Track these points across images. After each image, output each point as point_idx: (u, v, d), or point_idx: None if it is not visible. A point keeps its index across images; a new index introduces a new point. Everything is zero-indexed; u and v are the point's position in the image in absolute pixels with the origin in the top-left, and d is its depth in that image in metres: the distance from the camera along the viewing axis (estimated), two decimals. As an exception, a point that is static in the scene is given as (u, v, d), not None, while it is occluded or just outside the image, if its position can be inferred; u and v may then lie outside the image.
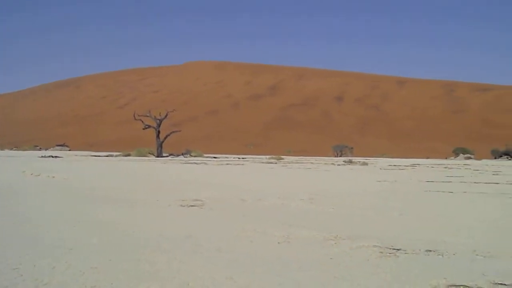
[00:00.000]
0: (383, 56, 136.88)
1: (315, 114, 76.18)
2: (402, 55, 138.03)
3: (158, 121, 32.19)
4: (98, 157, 27.38)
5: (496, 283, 2.95)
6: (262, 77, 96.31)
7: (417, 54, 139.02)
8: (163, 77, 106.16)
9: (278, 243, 4.16)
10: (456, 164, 22.95)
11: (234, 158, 31.16)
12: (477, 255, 3.71)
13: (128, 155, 31.97)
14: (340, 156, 39.41)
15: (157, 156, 30.53)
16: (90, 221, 5.12)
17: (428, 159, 31.69)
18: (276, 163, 23.16)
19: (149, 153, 32.12)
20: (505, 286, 2.90)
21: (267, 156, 32.62)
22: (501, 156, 32.94)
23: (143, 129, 32.97)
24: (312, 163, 23.11)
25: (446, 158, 34.26)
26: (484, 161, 29.37)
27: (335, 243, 4.14)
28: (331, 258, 3.59)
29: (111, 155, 31.77)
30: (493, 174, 14.23)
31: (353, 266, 3.37)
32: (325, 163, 22.83)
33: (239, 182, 10.77)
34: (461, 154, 35.57)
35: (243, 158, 30.09)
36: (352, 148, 43.15)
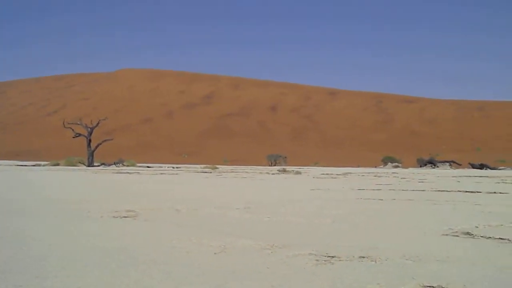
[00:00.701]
0: (316, 67, 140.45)
1: (251, 124, 76.77)
2: (334, 67, 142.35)
3: (89, 129, 31.20)
4: (24, 167, 26.06)
5: (425, 286, 3.08)
6: (197, 85, 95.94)
7: (347, 67, 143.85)
8: (93, 84, 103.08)
9: (215, 253, 4.12)
10: (385, 172, 23.86)
11: (168, 167, 30.71)
12: (407, 259, 3.85)
13: (57, 164, 30.70)
14: (275, 165, 39.87)
15: (88, 166, 29.55)
16: (8, 236, 4.85)
17: (359, 168, 32.75)
18: (211, 172, 23.07)
19: (80, 162, 31.02)
20: (434, 290, 3.03)
21: (202, 166, 32.42)
22: (425, 165, 34.57)
23: (74, 137, 31.84)
24: (247, 172, 23.22)
25: (375, 167, 35.52)
26: (411, 169, 30.76)
27: (272, 252, 4.16)
28: (268, 267, 3.60)
29: (39, 165, 30.36)
30: (419, 182, 14.90)
31: (290, 274, 3.39)
32: (260, 172, 23.02)
33: (173, 192, 10.62)
34: (389, 163, 37.02)
35: (177, 168, 29.72)
36: (286, 157, 43.80)
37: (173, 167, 30.44)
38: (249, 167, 33.29)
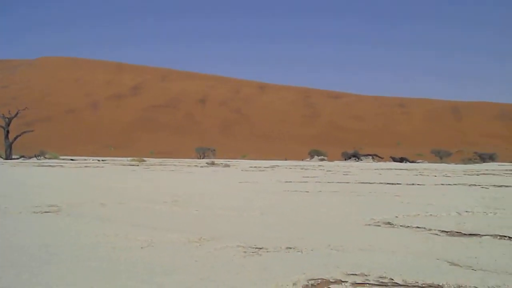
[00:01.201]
0: (245, 61, 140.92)
1: (179, 116, 75.89)
2: (264, 61, 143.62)
3: (7, 120, 29.46)
4: None
5: (348, 274, 3.20)
6: (124, 76, 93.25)
7: (277, 61, 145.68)
8: (11, 71, 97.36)
9: (142, 247, 4.04)
10: (311, 165, 24.46)
11: (93, 160, 29.72)
12: (331, 249, 3.97)
13: (-30, 157, 28.78)
14: (203, 158, 39.70)
15: (6, 159, 27.94)
16: None
17: (287, 161, 33.36)
18: (138, 165, 22.59)
19: (-4, 155, 29.26)
20: (356, 276, 3.15)
21: (129, 158, 31.66)
22: (350, 158, 35.75)
23: (-11, 128, 29.93)
24: (175, 165, 22.96)
25: (302, 160, 36.31)
26: (336, 162, 31.74)
27: (200, 245, 4.15)
28: (196, 260, 3.58)
29: (-51, 158, 28.33)
30: (344, 174, 15.41)
31: (218, 267, 3.40)
32: (189, 165, 22.84)
33: (98, 185, 10.30)
34: (315, 156, 37.95)
35: (103, 160, 28.83)
36: (214, 150, 43.72)
37: (99, 160, 29.49)
38: (178, 160, 32.92)
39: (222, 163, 24.40)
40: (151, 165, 22.89)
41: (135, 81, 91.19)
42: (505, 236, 4.51)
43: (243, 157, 41.08)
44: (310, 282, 3.06)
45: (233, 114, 79.07)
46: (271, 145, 60.49)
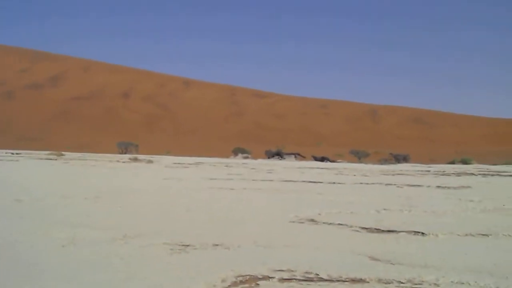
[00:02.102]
0: (170, 55, 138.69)
1: (101, 110, 73.34)
2: (189, 57, 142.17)
3: None
4: None
5: (275, 270, 3.26)
6: (42, 65, 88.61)
7: (202, 58, 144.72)
8: None
9: (63, 246, 3.89)
10: (235, 163, 24.58)
11: (6, 153, 27.99)
12: (258, 246, 4.04)
13: None
14: (126, 153, 38.64)
15: None
16: None
17: (211, 158, 33.26)
18: (56, 159, 21.61)
19: None
20: (283, 272, 3.22)
21: (47, 152, 30.15)
22: (273, 156, 36.26)
23: None
24: (96, 160, 22.18)
25: (226, 157, 36.38)
26: (260, 160, 32.09)
27: (125, 243, 4.06)
28: (121, 258, 3.51)
29: None
30: (268, 172, 15.64)
31: (145, 264, 3.35)
32: (110, 160, 22.14)
33: (14, 181, 9.74)
34: (239, 154, 38.15)
35: (18, 154, 27.25)
36: (137, 145, 42.68)
37: (13, 153, 27.83)
38: (99, 154, 31.80)
39: (145, 159, 23.87)
40: (71, 159, 21.95)
41: (54, 71, 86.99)
42: (419, 232, 4.80)
43: (167, 153, 40.46)
44: (238, 278, 3.09)
45: (157, 110, 77.65)
46: (195, 141, 60.06)
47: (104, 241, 4.08)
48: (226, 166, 19.27)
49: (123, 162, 21.28)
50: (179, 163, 21.15)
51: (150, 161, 22.34)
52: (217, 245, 4.03)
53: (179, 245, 4.00)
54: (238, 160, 31.53)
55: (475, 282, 3.10)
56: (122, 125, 66.96)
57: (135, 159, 23.31)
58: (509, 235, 4.72)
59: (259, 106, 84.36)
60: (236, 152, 40.03)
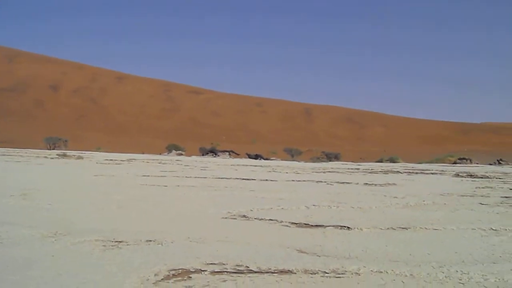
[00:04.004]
0: (102, 48, 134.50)
1: (26, 102, 70.07)
2: (122, 51, 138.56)
3: None
4: None
5: (207, 264, 3.37)
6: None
7: (136, 52, 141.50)
8: None
9: (-11, 243, 3.79)
10: (169, 160, 24.37)
11: None
12: (191, 241, 4.12)
13: None
14: (54, 149, 37.22)
15: None
16: None
17: (144, 154, 32.73)
18: (-23, 155, 20.48)
19: None
20: (215, 265, 3.34)
21: (-35, 147, 28.49)
22: (207, 153, 36.22)
23: None
24: (22, 156, 21.24)
25: (160, 154, 35.95)
26: (194, 157, 31.97)
27: (56, 240, 4.01)
28: (53, 256, 3.48)
29: None
30: (201, 169, 15.67)
31: (77, 261, 3.35)
32: (37, 156, 21.28)
33: None
34: (173, 150, 37.80)
35: None
36: (67, 140, 41.22)
37: None
38: (24, 150, 30.45)
39: (75, 155, 23.14)
40: (-7, 155, 20.88)
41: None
42: (345, 227, 5.07)
43: (98, 149, 39.36)
44: (171, 272, 3.17)
45: (88, 104, 75.25)
46: (128, 138, 58.80)
47: (34, 239, 4.02)
48: (160, 163, 19.10)
49: (51, 158, 20.53)
50: (111, 160, 20.70)
51: (80, 157, 21.69)
52: (150, 241, 4.08)
53: (112, 241, 4.00)
54: (172, 157, 31.26)
55: (392, 270, 3.36)
56: (50, 119, 64.33)
57: (64, 155, 22.54)
58: (426, 228, 5.09)
59: (195, 103, 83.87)
60: (170, 149, 39.61)
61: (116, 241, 4.00)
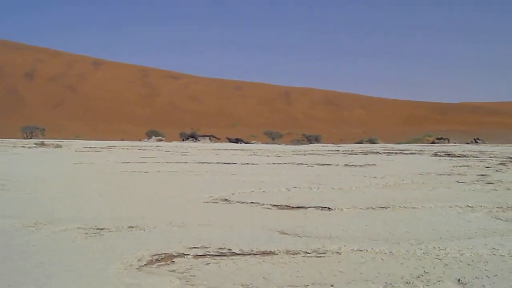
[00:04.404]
0: (78, 34, 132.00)
1: (1, 91, 68.67)
2: (98, 36, 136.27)
3: None
4: None
5: (190, 248, 3.40)
6: None
7: (112, 37, 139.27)
8: None
9: (-32, 234, 3.76)
10: (149, 146, 24.24)
11: None
12: (173, 226, 4.14)
13: None
14: (31, 138, 36.65)
15: None
16: None
17: (123, 141, 32.48)
18: (-48, 145, 20.07)
19: None
20: (198, 249, 3.36)
21: None
22: (188, 139, 36.09)
23: None
24: (-2, 145, 20.90)
25: (140, 140, 35.71)
26: (174, 142, 31.84)
27: (36, 229, 3.99)
28: (34, 245, 3.47)
29: None
30: (182, 155, 15.65)
31: (59, 249, 3.35)
32: (14, 146, 20.97)
33: None
34: (153, 136, 37.56)
35: None
36: (44, 129, 40.62)
37: None
38: (0, 140, 29.96)
39: (53, 144, 22.85)
40: (-31, 145, 20.51)
41: None
42: (326, 207, 5.14)
43: (77, 137, 38.90)
44: (154, 257, 3.20)
45: (65, 92, 74.07)
46: (106, 125, 58.18)
47: (14, 229, 3.99)
48: (140, 149, 19.02)
49: (29, 147, 20.26)
50: (90, 147, 20.52)
51: (58, 146, 21.44)
52: (132, 227, 4.08)
53: (94, 229, 4.00)
54: (152, 143, 31.10)
55: (372, 248, 3.43)
56: (26, 108, 63.21)
57: (42, 144, 22.25)
58: (404, 207, 5.20)
59: (173, 88, 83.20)
60: (149, 135, 39.37)
61: (98, 229, 4.00)
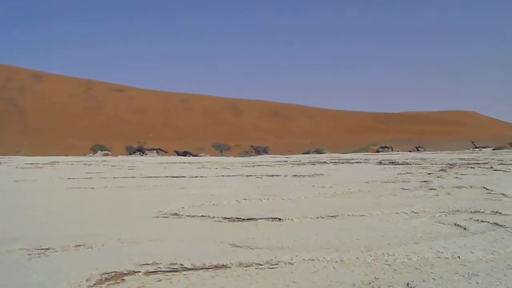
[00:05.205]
0: (17, 46, 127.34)
1: None
2: (39, 48, 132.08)
3: None
4: None
5: (141, 264, 3.32)
6: None
7: (54, 49, 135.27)
8: None
9: None
10: (95, 161, 23.60)
11: None
12: (122, 243, 4.04)
13: None
14: (-33, 155, 34.87)
15: None
16: None
17: (68, 156, 31.46)
18: None
19: None
20: (149, 265, 3.29)
21: None
22: (134, 152, 35.47)
23: None
24: None
25: (85, 155, 34.75)
26: (120, 157, 31.16)
27: (-25, 251, 3.78)
28: (-28, 268, 3.28)
29: None
30: (129, 169, 15.33)
31: (1, 272, 3.18)
32: (-51, 164, 19.86)
33: None
34: (99, 151, 36.67)
35: None
36: (-19, 146, 38.79)
37: None
38: None
39: (-9, 161, 21.82)
40: None
41: None
42: (276, 218, 5.17)
43: (18, 153, 37.37)
44: (103, 276, 3.10)
45: (4, 105, 71.14)
46: (49, 140, 56.27)
47: (-51, 252, 3.76)
48: (85, 164, 18.47)
49: (-35, 164, 19.25)
50: (32, 163, 19.74)
51: (-3, 163, 20.49)
52: (79, 245, 3.95)
53: (38, 249, 3.84)
54: (98, 157, 30.32)
55: (323, 257, 3.48)
56: (-39, 123, 60.18)
57: (-20, 161, 21.19)
58: (353, 215, 5.31)
59: (118, 101, 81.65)
60: (95, 149, 38.44)
61: (43, 249, 3.84)
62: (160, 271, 3.21)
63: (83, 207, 6.37)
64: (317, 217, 5.22)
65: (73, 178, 11.20)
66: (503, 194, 6.98)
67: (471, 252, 3.60)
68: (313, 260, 3.44)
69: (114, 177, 11.48)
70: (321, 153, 31.30)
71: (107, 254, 3.64)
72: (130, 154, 35.49)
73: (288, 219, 5.12)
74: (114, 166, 17.52)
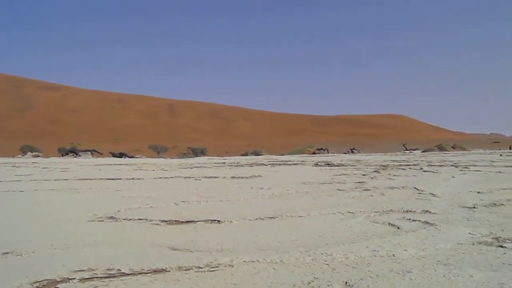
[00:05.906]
0: None
1: None
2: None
3: None
4: None
5: (75, 271, 3.19)
6: None
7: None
8: None
9: None
10: (24, 162, 22.54)
11: None
12: (55, 249, 3.86)
13: None
14: None
15: None
16: None
17: (-6, 158, 29.81)
18: None
19: None
20: (84, 272, 3.16)
21: None
22: (67, 154, 34.25)
23: None
24: None
25: (13, 156, 33.11)
26: (52, 158, 29.93)
27: None
28: None
29: None
30: (62, 171, 14.74)
31: None
32: None
33: None
34: (29, 152, 35.08)
35: None
36: None
37: None
38: None
39: None
40: None
41: None
42: (215, 220, 5.14)
43: None
44: (34, 285, 2.94)
45: None
46: (-27, 140, 53.16)
47: None
48: (14, 166, 17.61)
49: None
50: (-47, 166, 18.59)
51: None
52: (7, 253, 3.74)
53: (-39, 257, 3.60)
54: (28, 159, 29.00)
55: (263, 259, 3.49)
56: None
57: None
58: (292, 216, 5.37)
59: (50, 100, 78.52)
60: (24, 150, 36.75)
61: (-34, 257, 3.60)
62: (96, 277, 3.09)
63: (11, 211, 6.05)
64: (256, 219, 5.24)
65: (0, 181, 10.64)
66: (432, 194, 7.32)
67: (405, 250, 3.74)
68: (253, 261, 3.44)
69: (45, 180, 11.01)
70: (259, 154, 31.56)
71: (39, 261, 3.47)
72: (63, 155, 34.20)
73: (227, 221, 5.10)
74: (46, 168, 16.82)
